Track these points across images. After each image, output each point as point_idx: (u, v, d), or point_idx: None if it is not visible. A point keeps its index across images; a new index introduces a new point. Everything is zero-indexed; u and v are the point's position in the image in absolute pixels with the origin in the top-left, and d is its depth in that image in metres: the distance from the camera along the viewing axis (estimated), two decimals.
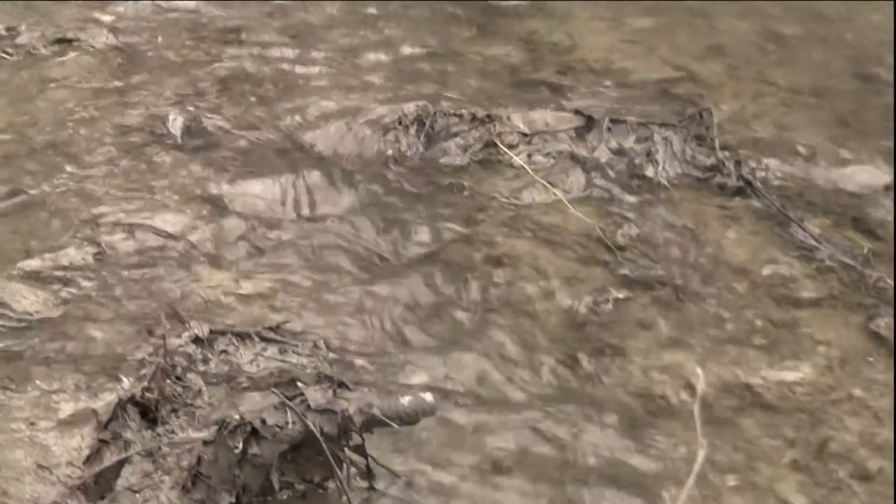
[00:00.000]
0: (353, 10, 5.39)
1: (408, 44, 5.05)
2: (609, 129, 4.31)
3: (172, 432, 3.00)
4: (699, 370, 3.37)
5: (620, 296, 3.65)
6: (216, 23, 5.19)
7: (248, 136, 4.30)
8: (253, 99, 4.53)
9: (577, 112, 4.38)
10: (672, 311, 3.63)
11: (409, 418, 2.85)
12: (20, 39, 4.93)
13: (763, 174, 4.23)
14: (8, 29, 4.99)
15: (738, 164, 4.22)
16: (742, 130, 4.49)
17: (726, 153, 4.27)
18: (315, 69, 4.81)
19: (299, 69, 4.80)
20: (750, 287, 3.75)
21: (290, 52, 4.92)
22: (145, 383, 3.05)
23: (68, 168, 4.08)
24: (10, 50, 4.84)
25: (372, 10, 5.42)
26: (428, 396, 2.86)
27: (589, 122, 4.34)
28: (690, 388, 3.33)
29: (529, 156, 4.22)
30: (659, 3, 5.45)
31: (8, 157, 4.13)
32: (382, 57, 4.92)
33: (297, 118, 4.41)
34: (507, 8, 5.41)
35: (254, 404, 3.02)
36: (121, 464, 2.89)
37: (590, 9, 5.42)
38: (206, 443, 2.82)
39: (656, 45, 5.07)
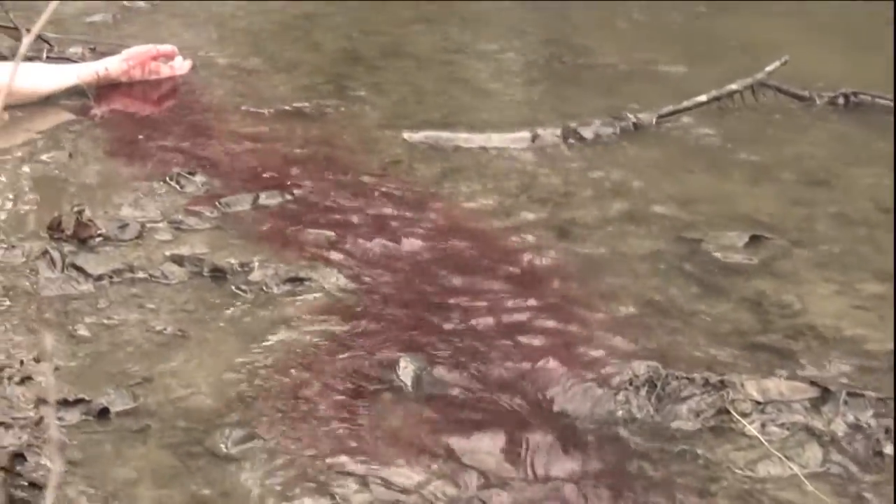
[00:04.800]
0: (569, 260, 5.39)
1: (633, 299, 5.02)
2: (846, 403, 4.20)
3: None
4: None
5: None
6: (441, 268, 5.22)
7: (478, 388, 4.29)
8: (484, 349, 4.53)
9: (813, 383, 4.29)
10: None
11: None
12: (253, 276, 5.00)
13: None
14: (241, 265, 5.07)
15: None
16: None
17: None
18: (540, 319, 4.80)
19: (525, 319, 4.80)
20: None
21: (516, 302, 4.92)
22: None
23: (301, 413, 4.11)
24: (243, 286, 4.93)
25: (589, 254, 5.43)
26: None
27: (825, 394, 4.24)
28: None
29: (763, 425, 4.12)
30: (890, 269, 5.35)
31: (242, 399, 4.17)
32: (610, 311, 4.89)
33: (527, 373, 4.39)
34: (733, 265, 5.36)
35: None
36: None
37: (818, 271, 5.35)
38: None
39: (889, 314, 4.96)
